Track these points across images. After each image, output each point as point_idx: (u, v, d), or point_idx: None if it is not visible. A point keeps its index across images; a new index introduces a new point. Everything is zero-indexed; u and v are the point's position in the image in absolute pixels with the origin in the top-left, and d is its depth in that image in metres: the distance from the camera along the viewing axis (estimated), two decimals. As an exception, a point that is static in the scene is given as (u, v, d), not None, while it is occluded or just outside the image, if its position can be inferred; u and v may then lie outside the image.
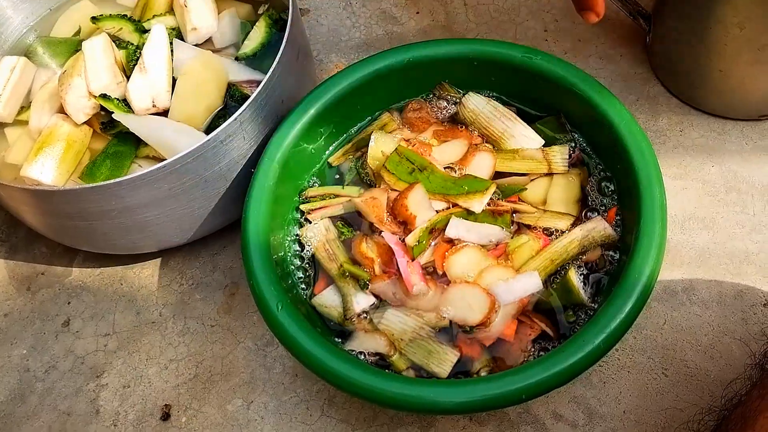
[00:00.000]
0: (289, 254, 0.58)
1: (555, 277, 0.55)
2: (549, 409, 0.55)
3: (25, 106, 0.66)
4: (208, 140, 0.54)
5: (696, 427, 0.51)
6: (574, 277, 0.54)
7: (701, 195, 0.63)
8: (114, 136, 0.62)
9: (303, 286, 0.57)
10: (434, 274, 0.55)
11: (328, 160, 0.63)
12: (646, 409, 0.54)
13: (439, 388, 0.48)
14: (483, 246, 0.55)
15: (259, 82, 0.57)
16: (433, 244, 0.56)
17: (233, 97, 0.63)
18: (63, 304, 0.65)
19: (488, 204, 0.56)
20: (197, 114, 0.61)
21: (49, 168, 0.60)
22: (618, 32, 0.74)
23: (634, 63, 0.71)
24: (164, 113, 0.61)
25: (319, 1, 0.81)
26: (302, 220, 0.60)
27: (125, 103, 0.61)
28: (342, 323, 0.55)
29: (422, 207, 0.56)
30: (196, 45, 0.66)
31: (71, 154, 0.61)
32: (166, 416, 0.58)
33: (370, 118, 0.65)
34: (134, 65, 0.62)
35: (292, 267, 0.58)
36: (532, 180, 0.59)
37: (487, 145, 0.61)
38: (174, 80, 0.62)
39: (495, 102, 0.62)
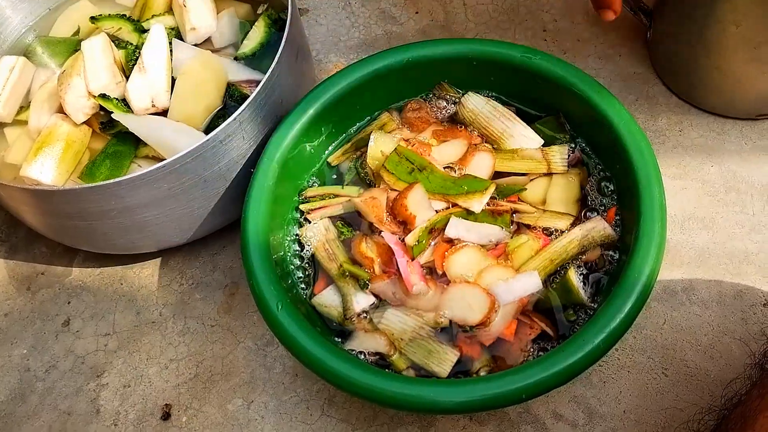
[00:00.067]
0: (289, 254, 0.58)
1: (555, 277, 0.55)
2: (549, 408, 0.55)
3: (24, 106, 0.66)
4: (208, 140, 0.54)
5: (696, 427, 0.51)
6: (574, 276, 0.54)
7: (701, 195, 0.63)
8: (113, 135, 0.62)
9: (303, 285, 0.57)
10: (434, 273, 0.55)
11: (328, 160, 0.63)
12: (646, 408, 0.54)
13: (439, 387, 0.48)
14: (483, 246, 0.55)
15: (258, 82, 0.57)
16: (432, 243, 0.56)
17: (232, 96, 0.63)
18: (63, 304, 0.65)
19: (488, 204, 0.56)
20: (196, 114, 0.61)
21: (48, 168, 0.60)
22: (617, 32, 0.73)
23: (634, 63, 0.71)
24: (163, 113, 0.61)
25: (318, 1, 0.81)
26: (302, 219, 0.60)
27: (124, 103, 0.61)
28: (342, 323, 0.55)
29: (422, 207, 0.56)
30: (195, 45, 0.65)
31: (71, 154, 0.61)
32: (166, 416, 0.58)
33: (369, 117, 0.65)
34: (133, 65, 0.62)
35: (292, 267, 0.58)
36: (531, 180, 0.59)
37: (486, 144, 0.61)
38: (173, 80, 0.62)
39: (494, 102, 0.62)
